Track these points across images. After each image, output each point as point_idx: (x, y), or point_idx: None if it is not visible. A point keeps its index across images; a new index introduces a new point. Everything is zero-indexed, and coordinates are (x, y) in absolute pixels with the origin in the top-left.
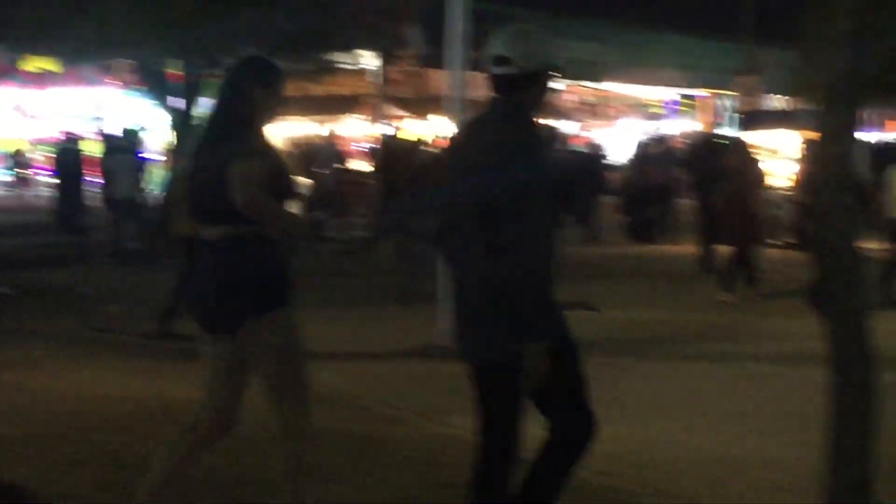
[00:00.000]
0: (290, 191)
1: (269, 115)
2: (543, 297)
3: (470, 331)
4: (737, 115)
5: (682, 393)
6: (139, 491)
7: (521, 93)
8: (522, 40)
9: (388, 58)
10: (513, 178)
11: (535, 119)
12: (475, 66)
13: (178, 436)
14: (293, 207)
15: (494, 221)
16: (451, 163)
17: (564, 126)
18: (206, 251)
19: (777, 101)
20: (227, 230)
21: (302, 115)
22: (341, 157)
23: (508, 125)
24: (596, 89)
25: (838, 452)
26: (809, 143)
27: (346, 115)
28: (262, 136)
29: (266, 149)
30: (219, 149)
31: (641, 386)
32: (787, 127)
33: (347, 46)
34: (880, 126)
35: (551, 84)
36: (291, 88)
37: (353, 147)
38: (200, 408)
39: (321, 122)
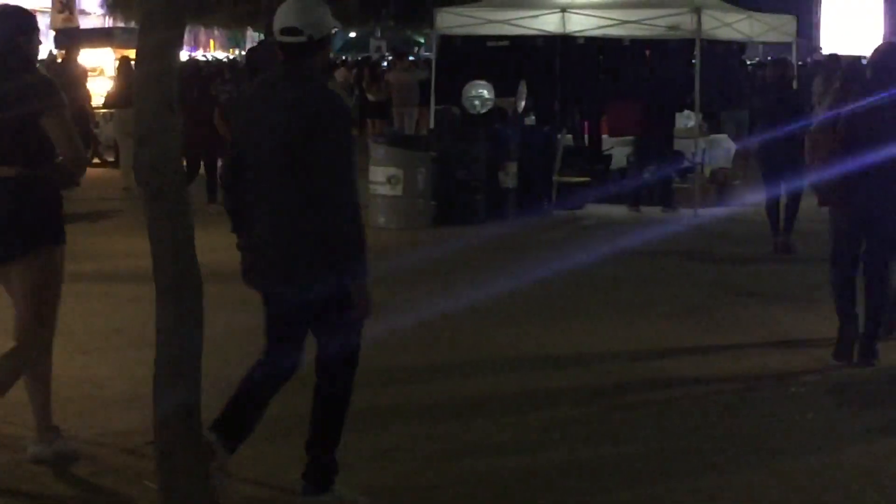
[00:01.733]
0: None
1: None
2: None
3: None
4: (52, 32)
5: None
6: None
7: (311, 58)
8: (311, 11)
9: None
10: (324, 131)
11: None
12: None
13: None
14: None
15: (309, 173)
16: (246, 121)
17: None
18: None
19: (95, 19)
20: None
21: None
22: None
23: (308, 85)
24: None
25: (163, 375)
26: (124, 61)
27: None
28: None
29: None
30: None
31: None
32: (104, 45)
33: None
34: (206, 46)
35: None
36: None
37: None
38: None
39: None
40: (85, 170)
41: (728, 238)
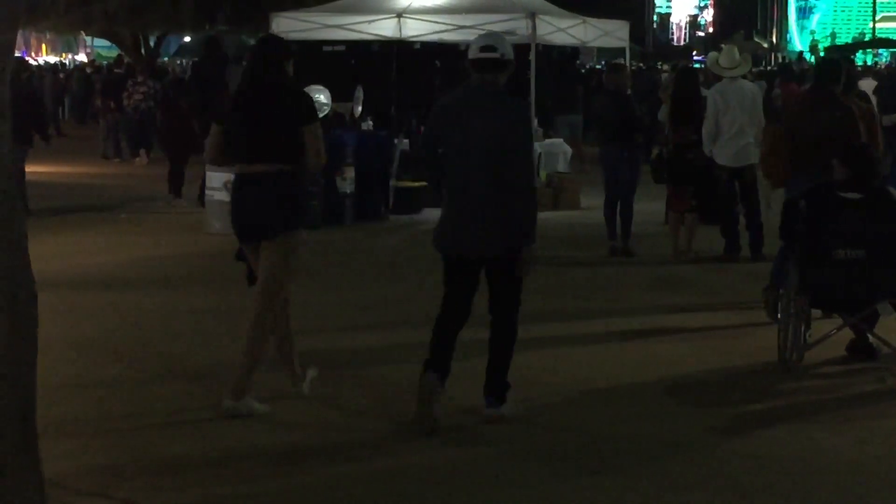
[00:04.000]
0: None
1: None
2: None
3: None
4: None
5: None
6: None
7: (499, 74)
8: (503, 39)
9: None
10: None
11: None
12: None
13: None
14: None
15: (509, 162)
16: (450, 118)
17: None
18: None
19: None
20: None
21: None
22: None
23: (503, 95)
24: None
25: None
26: None
27: None
28: None
29: None
30: None
31: None
32: None
33: None
34: (37, 50)
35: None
36: None
37: None
38: None
39: None
40: (321, 168)
41: (565, 242)
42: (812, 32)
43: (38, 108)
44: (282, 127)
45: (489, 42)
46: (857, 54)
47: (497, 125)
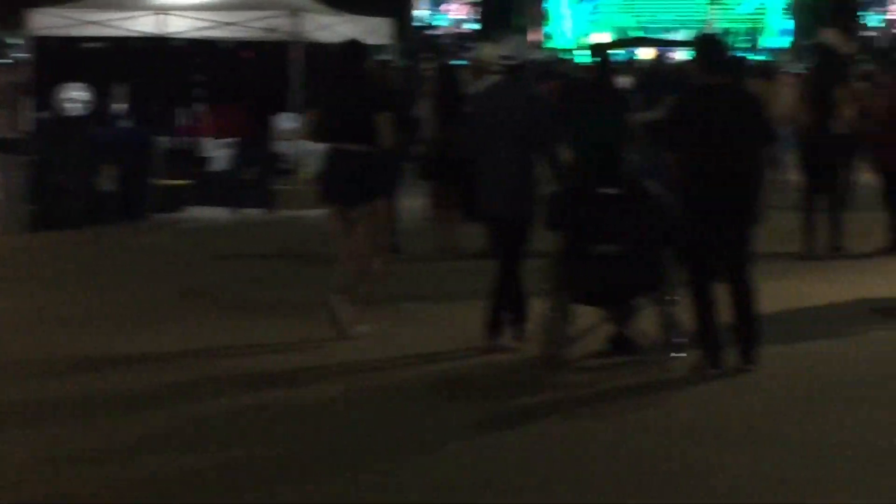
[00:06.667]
0: None
1: None
2: None
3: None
4: None
5: None
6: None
7: (519, 74)
8: (518, 47)
9: None
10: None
11: None
12: None
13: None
14: None
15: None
16: (483, 110)
17: None
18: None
19: None
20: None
21: None
22: None
23: (527, 88)
24: None
25: None
26: None
27: None
28: None
29: None
30: None
31: None
32: None
33: None
34: None
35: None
36: None
37: None
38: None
39: None
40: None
41: (326, 239)
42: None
43: None
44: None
45: (506, 52)
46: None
47: (524, 110)
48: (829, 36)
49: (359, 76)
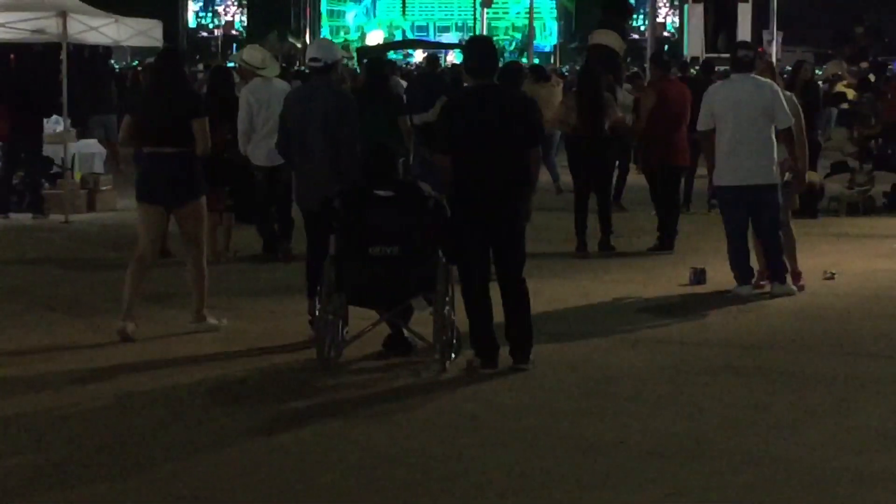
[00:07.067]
0: None
1: None
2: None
3: None
4: None
5: None
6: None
7: (328, 75)
8: (325, 48)
9: None
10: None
11: None
12: None
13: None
14: None
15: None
16: (295, 111)
17: None
18: None
19: None
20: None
21: None
22: None
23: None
24: None
25: None
26: None
27: None
28: None
29: None
30: None
31: None
32: None
33: None
34: None
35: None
36: None
37: None
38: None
39: None
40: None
41: (100, 244)
42: (346, 32)
43: None
44: None
45: (314, 54)
46: (389, 54)
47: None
48: (601, 37)
49: (175, 82)
